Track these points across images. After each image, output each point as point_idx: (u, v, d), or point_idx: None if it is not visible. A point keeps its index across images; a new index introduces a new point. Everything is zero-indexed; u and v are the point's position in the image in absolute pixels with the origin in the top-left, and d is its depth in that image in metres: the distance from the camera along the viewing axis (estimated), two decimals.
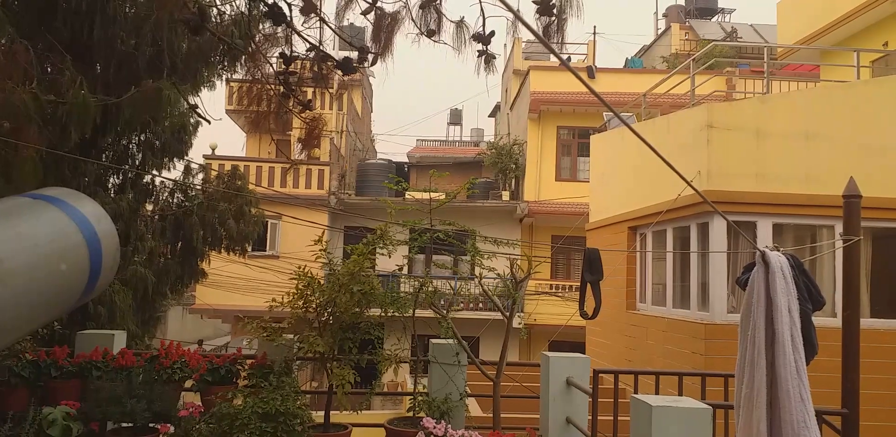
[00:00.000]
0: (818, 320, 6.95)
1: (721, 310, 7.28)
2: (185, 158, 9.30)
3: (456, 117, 34.24)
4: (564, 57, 25.94)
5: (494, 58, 6.30)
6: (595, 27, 41.11)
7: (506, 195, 19.75)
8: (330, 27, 6.55)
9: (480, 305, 16.63)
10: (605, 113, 13.83)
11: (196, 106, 7.60)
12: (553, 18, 5.71)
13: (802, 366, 2.99)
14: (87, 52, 6.99)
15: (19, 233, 1.42)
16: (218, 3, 7.01)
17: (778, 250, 3.25)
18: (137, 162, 8.77)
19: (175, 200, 9.36)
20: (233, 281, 15.93)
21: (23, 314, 1.39)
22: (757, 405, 2.94)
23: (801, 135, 7.56)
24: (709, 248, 7.49)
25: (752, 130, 7.56)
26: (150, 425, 4.51)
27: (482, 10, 5.94)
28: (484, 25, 6.05)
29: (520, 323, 17.19)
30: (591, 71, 19.46)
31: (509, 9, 1.77)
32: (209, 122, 7.73)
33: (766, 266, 3.11)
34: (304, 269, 5.03)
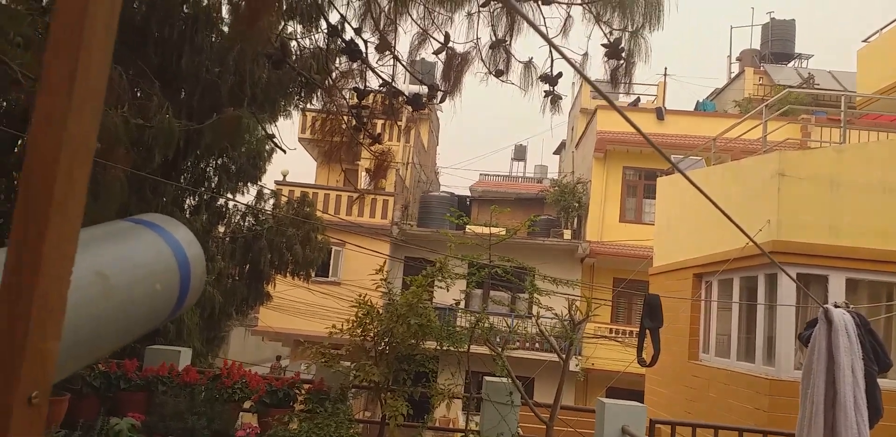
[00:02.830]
0: (888, 382, 6.62)
1: (788, 366, 7.00)
2: (259, 183, 9.64)
3: (520, 153, 34.36)
4: (633, 98, 25.52)
5: (561, 98, 6.38)
6: (666, 69, 40.86)
7: (567, 234, 19.57)
8: (403, 65, 6.78)
9: (537, 345, 16.38)
10: (673, 155, 13.67)
11: (273, 136, 7.90)
12: (621, 62, 5.78)
13: (865, 430, 2.87)
14: (174, 79, 7.38)
15: (123, 254, 1.60)
16: (298, 37, 7.33)
17: (848, 307, 3.15)
18: (213, 185, 9.13)
19: (246, 224, 9.67)
20: (295, 305, 16.22)
21: (121, 328, 1.56)
22: None
23: (877, 187, 7.32)
24: (777, 300, 7.26)
25: (826, 180, 7.37)
26: None
27: (551, 51, 6.05)
28: (552, 66, 6.15)
29: (577, 365, 16.85)
30: (660, 112, 19.31)
31: (576, 70, 1.83)
32: (284, 151, 8.02)
33: (828, 323, 3.02)
34: (364, 297, 5.13)
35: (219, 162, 9.15)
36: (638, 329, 7.51)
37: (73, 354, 1.32)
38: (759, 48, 29.57)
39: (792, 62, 29.06)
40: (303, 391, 5.04)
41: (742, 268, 7.89)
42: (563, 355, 5.23)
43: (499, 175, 31.33)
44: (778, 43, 29.23)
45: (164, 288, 1.74)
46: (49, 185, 0.94)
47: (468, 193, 26.16)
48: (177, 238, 1.82)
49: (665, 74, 25.11)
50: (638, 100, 23.61)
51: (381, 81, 6.69)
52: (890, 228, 7.13)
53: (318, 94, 7.72)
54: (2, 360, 0.90)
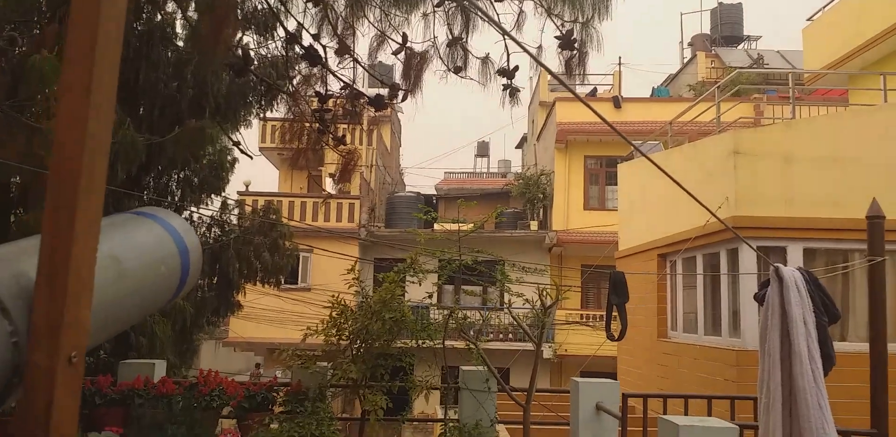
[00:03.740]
0: (855, 345, 6.85)
1: (753, 336, 7.20)
2: (222, 194, 9.59)
3: (483, 149, 34.50)
4: (590, 88, 25.67)
5: (519, 91, 6.50)
6: (620, 58, 41.30)
7: (534, 225, 19.78)
8: (363, 67, 6.84)
9: (511, 336, 16.57)
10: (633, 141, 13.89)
11: (238, 142, 7.89)
12: (574, 52, 5.92)
13: (820, 376, 3.03)
14: (132, 95, 7.33)
15: (129, 240, 1.78)
16: (256, 46, 7.33)
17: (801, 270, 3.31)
18: (177, 198, 9.07)
19: (212, 235, 9.63)
20: (266, 314, 16.14)
21: (135, 306, 1.75)
22: (773, 413, 2.99)
23: (828, 159, 7.56)
24: (738, 272, 7.47)
25: (780, 156, 7.59)
26: None
27: (506, 46, 6.17)
28: (508, 61, 6.29)
29: (551, 347, 17.08)
30: (616, 101, 19.60)
31: (536, 61, 1.92)
32: (251, 157, 8.02)
33: (779, 281, 3.19)
34: (337, 297, 5.18)
35: (181, 175, 9.08)
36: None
37: (100, 326, 1.46)
38: (709, 33, 30.13)
39: (742, 44, 29.66)
40: (281, 394, 5.07)
41: (704, 245, 8.10)
42: (536, 340, 5.34)
43: (463, 172, 31.41)
44: (727, 26, 29.84)
45: (168, 271, 1.89)
46: (75, 176, 1.08)
47: (434, 193, 26.23)
48: (174, 226, 1.96)
49: (620, 64, 25.46)
50: (595, 90, 23.92)
51: (342, 85, 6.73)
52: (841, 197, 7.37)
53: (281, 99, 7.74)
54: (45, 326, 1.05)
